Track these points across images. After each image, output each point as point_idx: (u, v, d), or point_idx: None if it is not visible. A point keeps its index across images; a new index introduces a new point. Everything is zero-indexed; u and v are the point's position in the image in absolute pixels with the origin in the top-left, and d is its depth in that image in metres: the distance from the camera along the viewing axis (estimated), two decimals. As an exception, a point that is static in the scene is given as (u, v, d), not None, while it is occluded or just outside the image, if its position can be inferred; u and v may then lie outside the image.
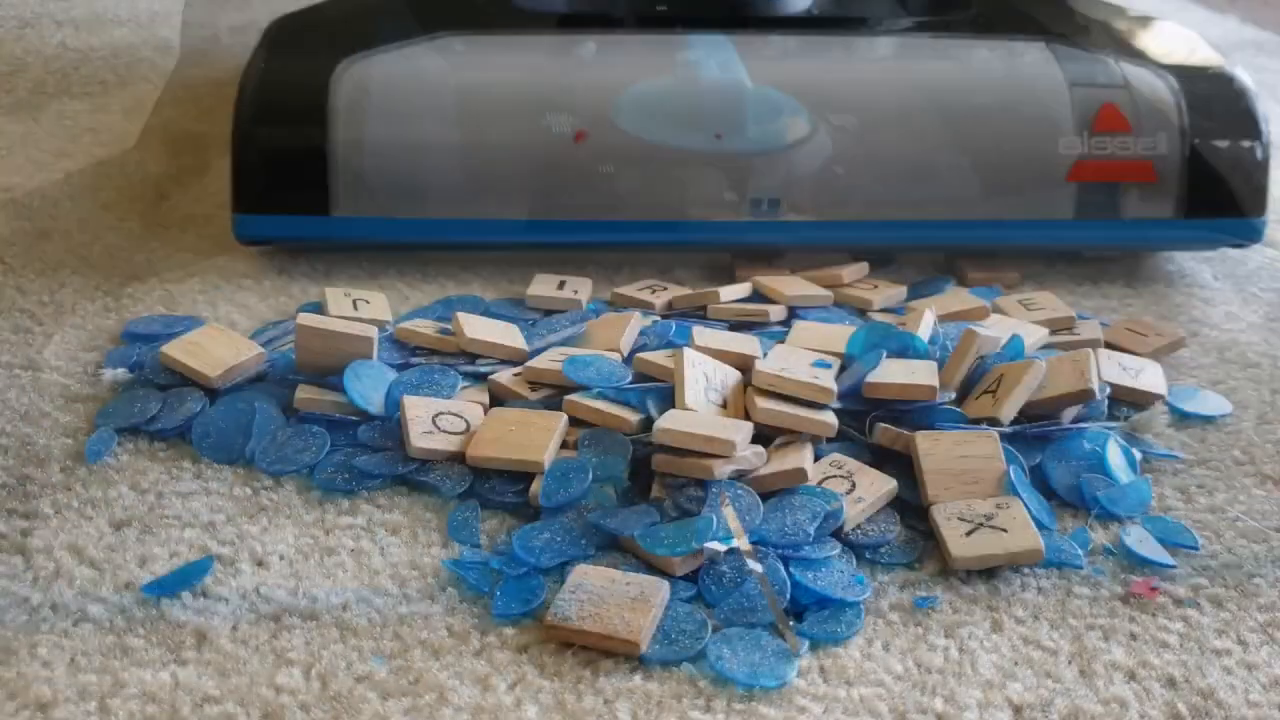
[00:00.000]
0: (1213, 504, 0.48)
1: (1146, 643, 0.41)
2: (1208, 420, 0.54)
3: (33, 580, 0.42)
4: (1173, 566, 0.45)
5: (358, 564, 0.44)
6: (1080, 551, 0.45)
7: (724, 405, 0.49)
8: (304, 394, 0.51)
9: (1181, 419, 0.54)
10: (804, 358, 0.52)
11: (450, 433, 0.48)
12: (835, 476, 0.46)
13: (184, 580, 0.42)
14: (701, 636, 0.40)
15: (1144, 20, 0.75)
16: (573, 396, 0.49)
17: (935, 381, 0.49)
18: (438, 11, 0.71)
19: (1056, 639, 0.41)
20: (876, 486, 0.46)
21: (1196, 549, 0.45)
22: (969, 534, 0.44)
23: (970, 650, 0.41)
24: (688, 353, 0.50)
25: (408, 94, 0.64)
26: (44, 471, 0.48)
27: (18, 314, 0.60)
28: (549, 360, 0.52)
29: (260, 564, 0.44)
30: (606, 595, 0.40)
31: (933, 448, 0.47)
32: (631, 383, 0.51)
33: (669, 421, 0.46)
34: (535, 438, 0.47)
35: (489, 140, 0.64)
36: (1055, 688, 0.39)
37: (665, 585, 0.41)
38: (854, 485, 0.46)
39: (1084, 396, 0.50)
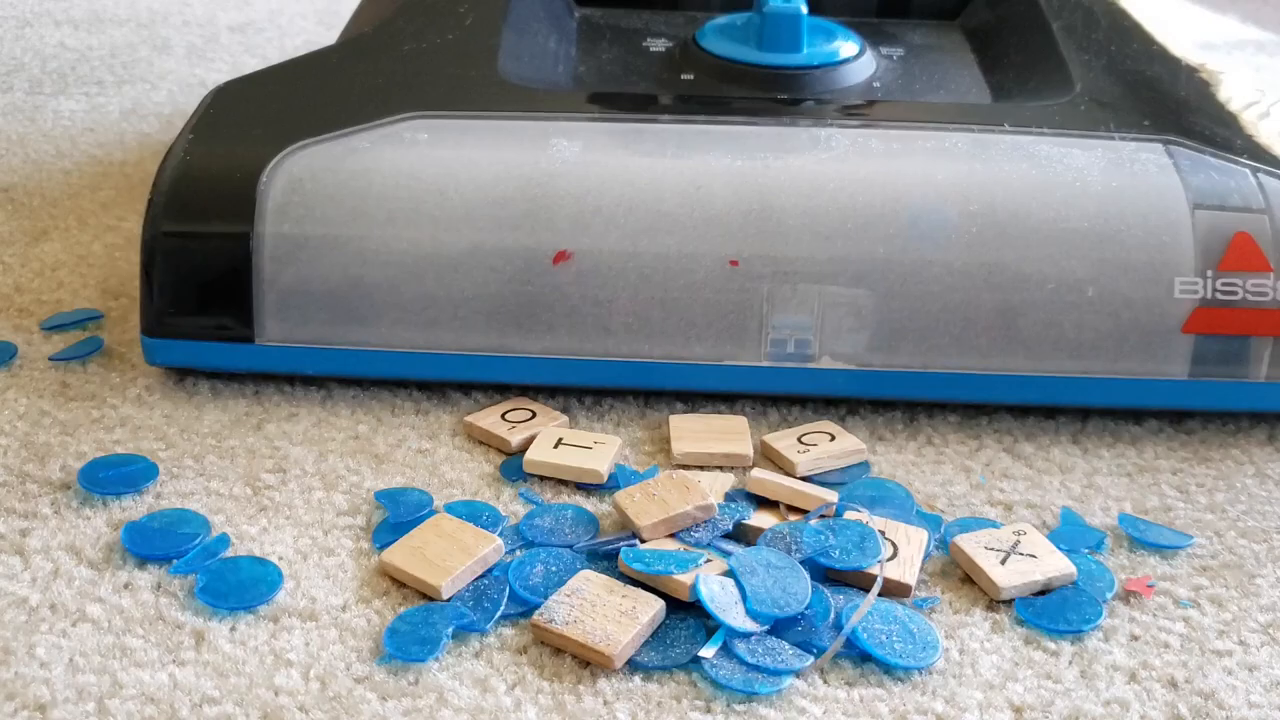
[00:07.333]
0: (1213, 504, 0.48)
1: (1147, 644, 0.41)
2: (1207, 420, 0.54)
3: (31, 580, 0.42)
4: (1188, 544, 0.44)
5: (358, 564, 0.44)
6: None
7: None
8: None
9: (1181, 419, 0.54)
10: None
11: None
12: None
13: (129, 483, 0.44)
14: (695, 645, 0.40)
15: None
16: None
17: (913, 578, 0.43)
18: (410, 84, 0.57)
19: (1057, 640, 0.41)
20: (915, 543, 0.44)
21: (1192, 544, 0.45)
22: (1003, 562, 0.43)
23: (971, 651, 0.41)
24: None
25: (355, 196, 0.51)
26: (44, 471, 0.48)
27: (16, 314, 0.60)
28: None
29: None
30: (598, 604, 0.40)
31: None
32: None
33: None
34: (453, 558, 0.42)
35: (448, 259, 0.51)
36: (1056, 689, 0.39)
37: (660, 604, 0.41)
38: (895, 550, 0.43)
39: (708, 511, 0.44)
